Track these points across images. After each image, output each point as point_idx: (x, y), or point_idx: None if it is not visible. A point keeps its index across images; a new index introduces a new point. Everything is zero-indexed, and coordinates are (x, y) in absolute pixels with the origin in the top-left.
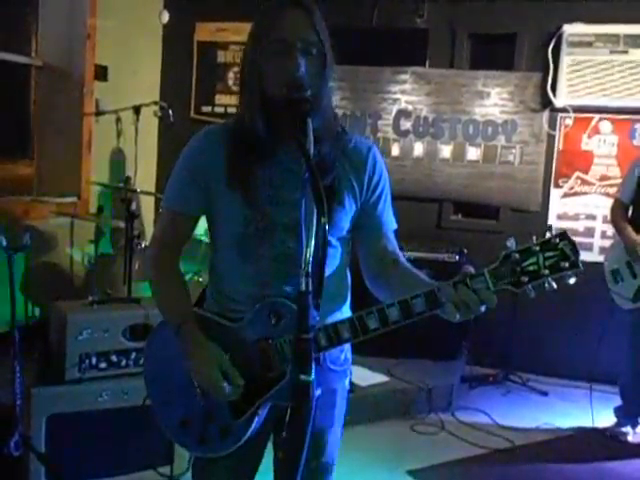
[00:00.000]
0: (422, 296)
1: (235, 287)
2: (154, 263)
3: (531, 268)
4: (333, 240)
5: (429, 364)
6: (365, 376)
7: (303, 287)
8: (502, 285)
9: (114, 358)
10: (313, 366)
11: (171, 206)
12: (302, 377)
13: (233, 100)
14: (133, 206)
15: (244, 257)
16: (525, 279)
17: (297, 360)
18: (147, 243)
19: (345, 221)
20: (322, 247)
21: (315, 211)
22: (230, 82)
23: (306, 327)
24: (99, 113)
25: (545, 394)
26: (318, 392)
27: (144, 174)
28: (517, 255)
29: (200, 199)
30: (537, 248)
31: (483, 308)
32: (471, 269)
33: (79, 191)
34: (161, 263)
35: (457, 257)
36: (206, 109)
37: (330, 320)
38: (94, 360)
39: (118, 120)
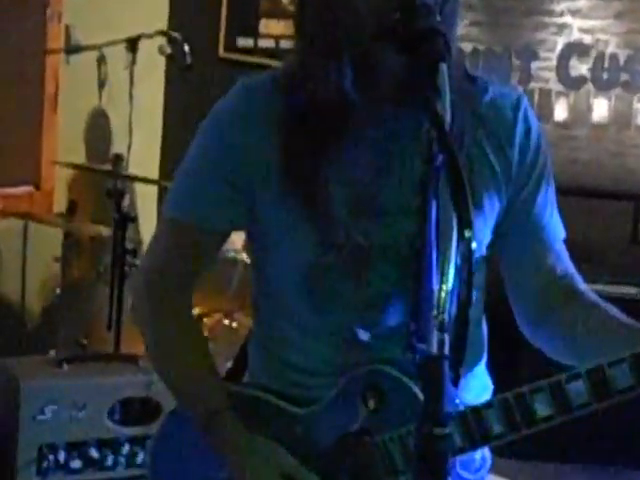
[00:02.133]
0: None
1: (302, 348)
2: (151, 302)
3: None
4: None
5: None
6: None
7: (434, 348)
8: None
9: (94, 453)
10: None
11: (184, 217)
12: None
13: (290, 28)
14: (125, 202)
15: (316, 302)
16: None
17: (422, 474)
18: None
19: (485, 232)
20: (466, 280)
21: (446, 220)
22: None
23: (439, 417)
24: (71, 50)
25: None
26: None
27: (142, 151)
28: None
29: (235, 207)
30: None
31: None
32: None
33: (37, 177)
34: (164, 303)
35: None
36: (244, 43)
37: (465, 399)
38: (62, 456)
39: (101, 62)
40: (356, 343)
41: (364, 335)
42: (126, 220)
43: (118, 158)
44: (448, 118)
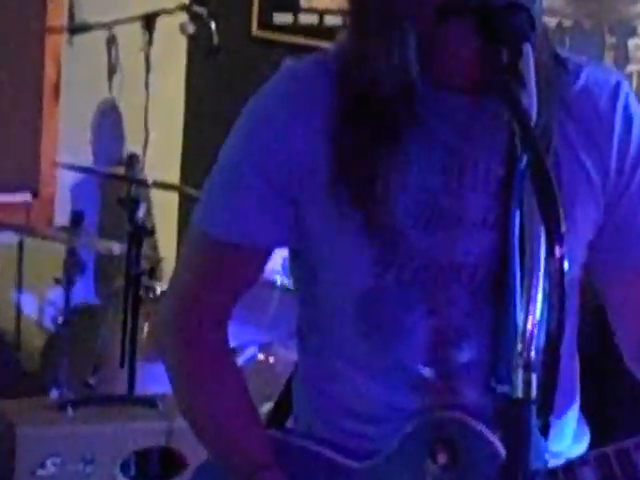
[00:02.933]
0: None
1: (357, 389)
2: (181, 336)
3: None
4: None
5: None
6: None
7: (518, 390)
8: None
9: None
10: None
11: (222, 233)
12: None
13: (335, 1)
14: (140, 212)
15: (373, 333)
16: None
17: None
18: (164, 287)
19: (579, 249)
20: (558, 308)
21: (531, 234)
22: None
23: (525, 476)
24: (75, 29)
25: None
26: None
27: (161, 151)
28: None
29: (280, 217)
30: None
31: None
32: None
33: (35, 182)
34: (197, 337)
35: None
36: (282, 19)
37: (555, 452)
38: None
39: (111, 42)
40: (421, 384)
41: (431, 374)
42: (142, 234)
43: (133, 159)
44: (534, 111)
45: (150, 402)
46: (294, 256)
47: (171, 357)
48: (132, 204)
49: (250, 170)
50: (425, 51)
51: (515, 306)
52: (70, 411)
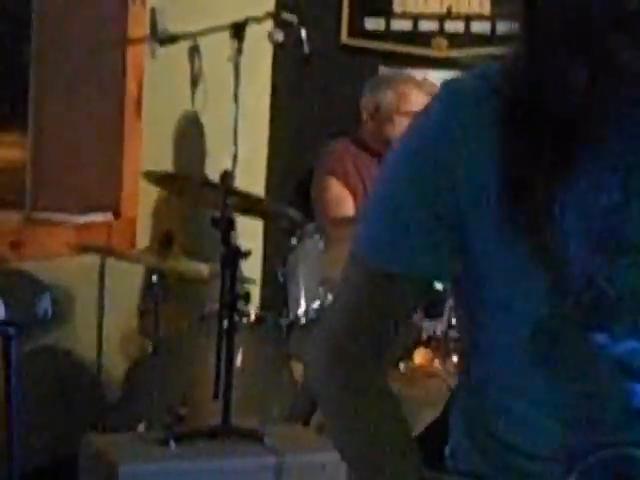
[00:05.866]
0: None
1: (526, 425)
2: (340, 373)
3: None
4: None
5: None
6: None
7: None
8: None
9: None
10: None
11: (384, 262)
12: None
13: (432, 5)
14: (235, 235)
15: (548, 365)
16: None
17: None
18: (257, 311)
19: None
20: None
21: None
22: None
23: None
24: (163, 40)
25: None
26: None
27: (247, 167)
28: None
29: (447, 247)
30: None
31: None
32: None
33: (117, 200)
34: (357, 375)
35: None
36: (374, 24)
37: None
38: None
39: (194, 52)
40: (600, 420)
41: (611, 409)
42: (238, 256)
43: (227, 175)
44: None
45: (256, 435)
46: (458, 286)
47: (327, 397)
48: (227, 224)
49: (412, 198)
50: (598, 67)
51: None
52: (173, 446)
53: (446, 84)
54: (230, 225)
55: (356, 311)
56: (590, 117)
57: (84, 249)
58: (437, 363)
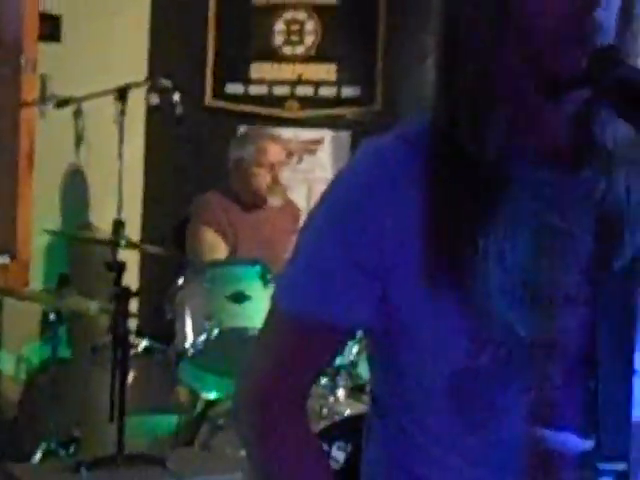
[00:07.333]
0: None
1: (456, 476)
2: (264, 417)
3: None
4: None
5: None
6: None
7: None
8: None
9: None
10: None
11: (309, 311)
12: None
13: (285, 72)
14: (126, 275)
15: (468, 413)
16: None
17: None
18: (146, 342)
19: None
20: None
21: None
22: (279, 40)
23: None
24: (59, 103)
25: None
26: None
27: (125, 215)
28: None
29: (370, 298)
30: None
31: None
32: None
33: (13, 244)
34: (281, 418)
35: None
36: (234, 89)
37: None
38: None
39: (78, 115)
40: (513, 466)
41: (524, 456)
42: (128, 295)
43: (119, 225)
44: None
45: (160, 461)
46: (373, 334)
47: (250, 438)
48: (119, 268)
49: (337, 251)
50: (520, 125)
51: (612, 387)
52: (85, 473)
53: (368, 143)
54: (122, 267)
55: (281, 357)
56: (504, 178)
57: None
58: None
